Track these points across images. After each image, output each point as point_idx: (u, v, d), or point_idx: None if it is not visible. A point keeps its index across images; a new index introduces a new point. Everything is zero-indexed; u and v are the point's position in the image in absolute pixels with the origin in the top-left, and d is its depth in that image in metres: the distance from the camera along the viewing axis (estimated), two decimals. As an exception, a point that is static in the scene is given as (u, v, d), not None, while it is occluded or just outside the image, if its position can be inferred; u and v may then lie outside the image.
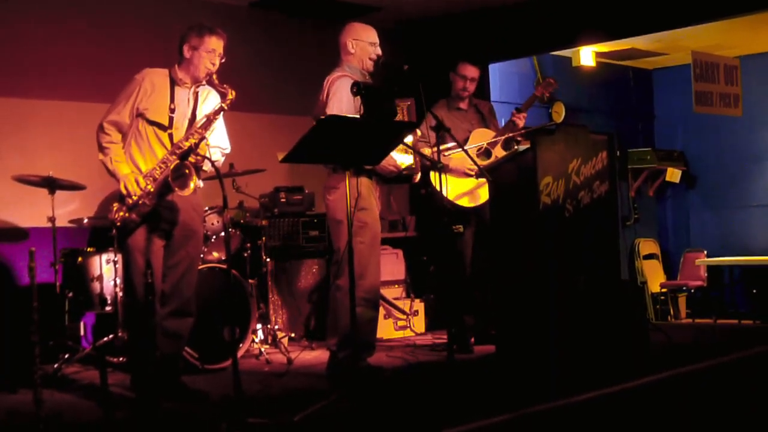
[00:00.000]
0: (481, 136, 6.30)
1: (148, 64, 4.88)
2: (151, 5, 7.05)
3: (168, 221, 4.73)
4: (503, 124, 6.48)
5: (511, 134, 6.22)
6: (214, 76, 4.75)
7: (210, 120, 4.69)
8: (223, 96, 4.75)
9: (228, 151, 5.01)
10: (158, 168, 4.60)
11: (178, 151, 4.60)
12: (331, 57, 5.56)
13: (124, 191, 4.58)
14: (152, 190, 4.58)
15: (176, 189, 4.52)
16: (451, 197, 6.15)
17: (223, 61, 4.78)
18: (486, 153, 6.26)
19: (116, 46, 6.78)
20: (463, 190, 6.23)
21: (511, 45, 8.30)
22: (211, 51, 4.74)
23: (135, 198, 4.57)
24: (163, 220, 4.72)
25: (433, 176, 5.89)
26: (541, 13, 7.89)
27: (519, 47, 8.39)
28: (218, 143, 4.91)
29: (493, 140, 6.25)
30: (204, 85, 4.86)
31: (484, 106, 6.63)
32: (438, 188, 5.39)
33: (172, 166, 4.53)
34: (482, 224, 6.25)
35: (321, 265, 7.24)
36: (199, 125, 4.68)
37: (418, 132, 5.62)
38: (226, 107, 4.72)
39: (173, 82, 4.78)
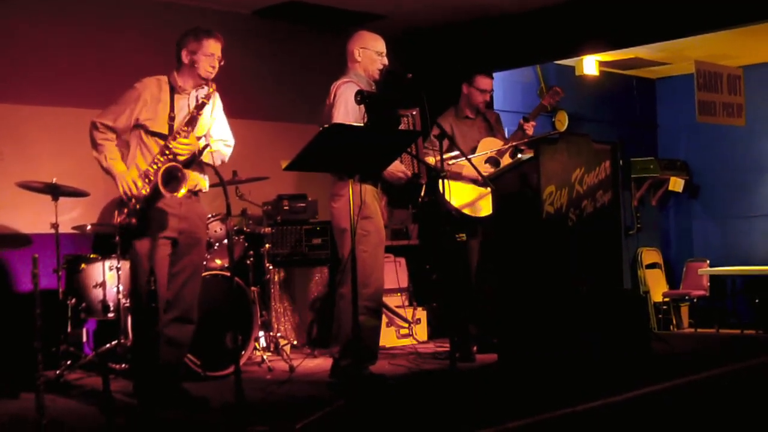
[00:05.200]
0: (489, 145, 6.30)
1: (152, 70, 4.86)
2: (155, 12, 7.06)
3: (175, 229, 4.74)
4: (508, 133, 6.47)
5: (515, 143, 6.22)
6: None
7: (194, 117, 4.64)
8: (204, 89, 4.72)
9: (232, 143, 4.97)
10: (151, 168, 4.60)
11: (167, 152, 4.59)
12: (335, 65, 5.56)
13: (121, 190, 4.58)
14: (145, 193, 4.58)
15: (167, 193, 4.49)
16: (457, 206, 6.15)
17: (222, 64, 4.74)
18: (494, 162, 6.26)
19: (119, 53, 6.78)
20: (470, 199, 6.23)
21: (515, 54, 8.31)
22: (210, 54, 4.70)
23: (133, 198, 4.57)
24: (171, 228, 4.72)
25: (440, 184, 5.89)
26: (545, 23, 7.90)
27: (522, 56, 8.40)
28: (221, 136, 4.89)
29: (502, 149, 6.26)
30: (202, 87, 4.79)
31: (491, 115, 6.63)
32: (443, 196, 5.38)
33: (162, 169, 4.51)
34: (488, 233, 6.24)
35: (324, 273, 7.24)
36: (184, 122, 4.63)
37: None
38: (207, 102, 4.66)
39: (173, 90, 4.76)
